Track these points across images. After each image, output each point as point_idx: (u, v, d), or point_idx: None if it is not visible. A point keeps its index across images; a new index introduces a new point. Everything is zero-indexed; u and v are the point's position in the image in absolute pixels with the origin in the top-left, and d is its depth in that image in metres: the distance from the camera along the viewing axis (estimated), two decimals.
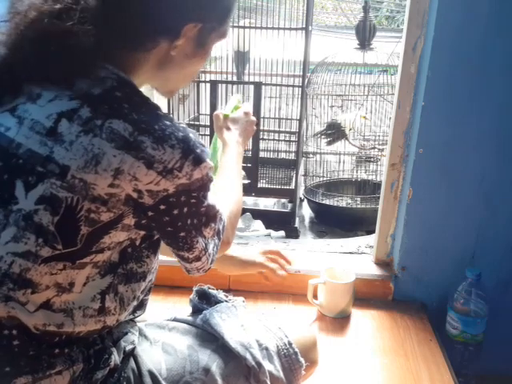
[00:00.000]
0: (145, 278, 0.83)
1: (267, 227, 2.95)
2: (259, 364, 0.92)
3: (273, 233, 2.90)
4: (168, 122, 0.72)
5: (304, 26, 2.86)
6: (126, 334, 0.86)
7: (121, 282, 0.79)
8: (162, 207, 0.72)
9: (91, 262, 0.73)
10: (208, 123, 3.03)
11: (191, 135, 0.73)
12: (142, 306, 0.89)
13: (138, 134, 0.69)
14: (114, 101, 0.71)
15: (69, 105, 0.70)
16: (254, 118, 1.17)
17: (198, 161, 0.73)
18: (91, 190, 0.68)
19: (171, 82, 0.87)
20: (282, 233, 2.94)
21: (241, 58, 3.14)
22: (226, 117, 1.15)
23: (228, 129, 1.13)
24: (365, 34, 3.15)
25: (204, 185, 0.76)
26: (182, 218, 0.75)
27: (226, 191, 0.97)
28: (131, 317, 0.88)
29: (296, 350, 0.98)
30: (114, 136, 0.68)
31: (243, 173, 1.07)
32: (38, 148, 0.69)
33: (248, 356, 0.92)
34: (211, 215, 0.80)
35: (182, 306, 1.29)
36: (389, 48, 3.20)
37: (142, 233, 0.78)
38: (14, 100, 0.74)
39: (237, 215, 0.96)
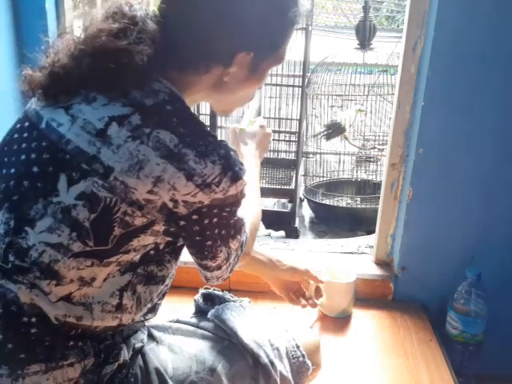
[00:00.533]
0: (163, 282, 0.85)
1: (267, 227, 2.95)
2: (272, 362, 0.94)
3: (273, 233, 2.91)
4: (212, 139, 0.75)
5: (304, 25, 2.86)
6: (136, 332, 0.87)
7: (140, 282, 0.81)
8: (195, 217, 0.75)
9: (116, 261, 0.75)
10: (208, 123, 3.03)
11: (232, 153, 0.76)
12: (154, 309, 0.90)
13: (183, 146, 0.72)
14: (165, 113, 0.74)
15: (121, 110, 0.73)
16: (269, 131, 1.21)
17: (236, 178, 0.75)
18: (130, 193, 0.71)
19: (225, 103, 0.91)
20: (282, 233, 2.95)
21: None
22: (242, 131, 1.17)
23: (245, 143, 1.16)
24: (365, 34, 3.15)
25: (237, 201, 0.79)
26: (211, 227, 0.77)
27: (247, 204, 0.99)
28: (142, 319, 0.89)
29: (303, 352, 1.00)
30: (159, 145, 0.71)
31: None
32: (87, 147, 0.72)
33: (262, 353, 0.94)
34: (238, 228, 0.83)
35: (182, 306, 1.29)
36: (389, 48, 3.20)
37: (168, 239, 0.80)
38: (70, 99, 0.76)
39: (257, 227, 1.00)
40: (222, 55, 0.79)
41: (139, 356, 0.86)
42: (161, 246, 0.80)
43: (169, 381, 0.85)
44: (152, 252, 0.80)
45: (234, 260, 0.85)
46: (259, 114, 1.14)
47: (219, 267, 0.83)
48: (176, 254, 0.85)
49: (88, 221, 0.71)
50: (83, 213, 0.71)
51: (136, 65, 0.73)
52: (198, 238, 0.78)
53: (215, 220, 0.77)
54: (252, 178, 1.07)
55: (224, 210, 0.77)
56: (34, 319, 0.73)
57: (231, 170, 0.75)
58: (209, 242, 0.79)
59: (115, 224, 0.72)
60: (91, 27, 0.77)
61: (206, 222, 0.76)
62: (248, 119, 1.21)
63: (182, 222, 0.75)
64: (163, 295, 0.90)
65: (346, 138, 3.37)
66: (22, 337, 0.73)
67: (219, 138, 0.78)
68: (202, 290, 1.11)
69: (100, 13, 0.79)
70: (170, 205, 0.73)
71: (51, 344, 0.75)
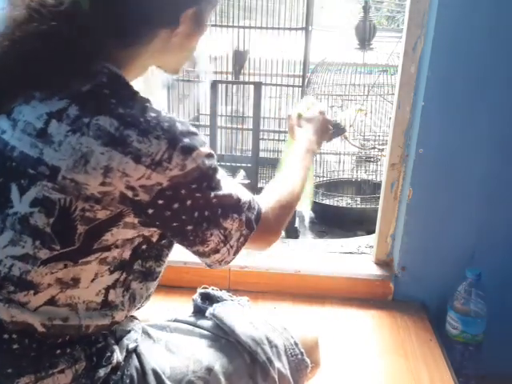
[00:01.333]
0: (158, 277, 0.84)
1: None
2: (270, 360, 0.93)
3: None
4: (154, 114, 0.70)
5: (304, 26, 2.86)
6: (129, 332, 0.86)
7: (136, 279, 0.79)
8: (160, 202, 0.70)
9: (98, 259, 0.73)
10: (208, 123, 3.03)
11: (178, 124, 0.71)
12: (148, 298, 0.90)
13: (124, 128, 0.68)
14: (102, 97, 0.70)
15: (58, 104, 0.69)
16: (329, 118, 1.12)
17: (188, 149, 0.70)
18: (83, 189, 0.68)
19: (175, 62, 0.87)
20: None
21: (239, 57, 3.14)
22: (299, 116, 1.09)
23: (300, 126, 1.08)
24: (365, 34, 3.15)
25: (204, 174, 0.73)
26: (187, 211, 0.73)
27: (278, 183, 0.94)
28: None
29: (302, 350, 0.99)
30: (100, 133, 0.67)
31: (301, 172, 0.98)
32: (29, 150, 0.69)
33: (259, 351, 0.93)
34: (230, 205, 0.77)
35: (181, 306, 1.29)
36: (389, 48, 3.20)
37: (155, 230, 0.76)
38: (12, 103, 0.73)
39: (286, 206, 0.89)
40: (169, 18, 0.76)
41: (134, 357, 0.85)
42: (154, 239, 0.78)
43: (166, 381, 0.84)
44: (144, 247, 0.77)
45: (237, 241, 0.79)
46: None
47: (216, 250, 0.78)
48: (171, 247, 0.83)
49: (48, 226, 0.69)
50: (41, 219, 0.68)
51: (75, 48, 0.70)
52: (174, 224, 0.73)
53: (189, 202, 0.72)
54: (297, 159, 0.99)
55: (193, 189, 0.72)
56: (14, 335, 0.72)
57: (180, 141, 0.70)
58: (189, 227, 0.74)
59: (76, 222, 0.69)
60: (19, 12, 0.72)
61: (176, 205, 0.71)
62: (306, 104, 1.13)
63: (150, 210, 0.71)
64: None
65: (346, 138, 3.37)
66: (6, 353, 0.72)
67: (167, 112, 0.73)
68: (200, 290, 1.11)
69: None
70: (129, 194, 0.69)
71: (37, 355, 0.74)
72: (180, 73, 0.92)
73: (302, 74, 3.03)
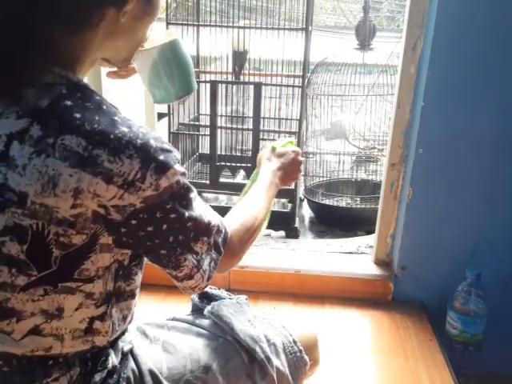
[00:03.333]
0: (133, 296, 0.81)
1: (267, 227, 2.94)
2: (268, 358, 0.93)
3: (273, 233, 2.90)
4: (125, 129, 0.66)
5: (304, 26, 2.86)
6: (123, 333, 0.85)
7: (113, 305, 0.77)
8: (133, 222, 0.67)
9: (79, 289, 0.70)
10: (208, 123, 3.03)
11: (152, 142, 0.67)
12: (131, 319, 0.86)
13: (93, 147, 0.63)
14: (64, 113, 0.64)
15: (18, 124, 0.64)
16: (301, 159, 1.10)
17: (163, 168, 0.67)
18: (54, 213, 0.64)
19: (124, 49, 0.80)
20: (281, 233, 2.95)
21: (238, 58, 3.13)
22: (273, 149, 1.10)
23: (270, 160, 1.07)
24: (365, 34, 3.15)
25: (176, 193, 0.70)
26: (161, 235, 0.70)
27: (242, 207, 0.93)
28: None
29: (301, 348, 0.99)
30: (67, 154, 0.63)
31: (266, 199, 0.97)
32: None
33: (258, 349, 0.92)
34: (201, 228, 0.74)
35: (181, 306, 1.29)
36: (389, 48, 3.20)
37: (128, 252, 0.74)
38: None
39: (249, 230, 0.88)
40: None
41: (130, 358, 0.84)
42: (125, 262, 0.75)
43: (163, 381, 0.84)
44: (120, 272, 0.75)
45: (209, 265, 0.77)
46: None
47: (190, 276, 0.75)
48: (141, 264, 0.80)
49: (22, 253, 0.65)
50: (14, 247, 0.65)
51: (7, 49, 0.64)
52: (148, 243, 0.71)
53: (164, 227, 0.69)
54: (261, 191, 0.98)
55: (167, 209, 0.69)
56: (1, 362, 0.72)
57: (154, 160, 0.66)
58: (163, 251, 0.72)
59: (52, 246, 0.66)
60: None
61: (151, 229, 0.68)
62: (285, 141, 1.13)
63: (122, 229, 0.68)
64: (135, 304, 0.86)
65: (346, 138, 3.38)
66: None
67: (137, 124, 0.68)
68: None
69: None
70: (102, 211, 0.65)
71: (30, 369, 0.73)
72: (128, 65, 0.85)
73: (302, 74, 3.02)
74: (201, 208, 0.76)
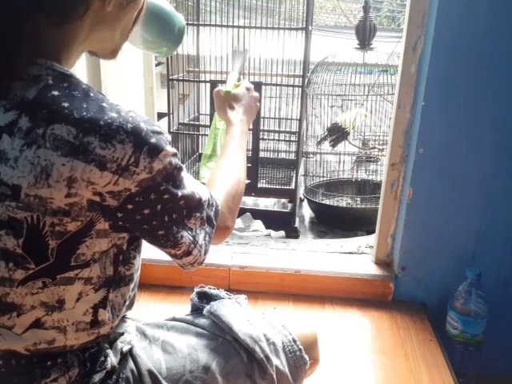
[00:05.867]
0: (132, 280, 0.81)
1: (267, 227, 2.95)
2: (268, 357, 0.92)
3: (273, 233, 2.90)
4: (115, 115, 0.65)
5: (304, 26, 2.86)
6: (123, 334, 0.85)
7: (112, 290, 0.77)
8: (130, 207, 0.68)
9: (78, 277, 0.71)
10: (208, 123, 3.03)
11: (142, 125, 0.67)
12: (130, 305, 0.88)
13: (83, 135, 0.63)
14: (52, 102, 0.64)
15: (6, 117, 0.64)
16: (256, 94, 1.11)
17: (155, 151, 0.67)
18: (49, 204, 0.64)
19: (111, 40, 0.79)
20: (282, 233, 2.94)
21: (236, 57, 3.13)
22: (227, 93, 1.08)
23: (231, 107, 1.06)
24: (365, 34, 3.15)
25: (169, 174, 0.70)
26: (157, 216, 0.70)
27: (224, 173, 0.92)
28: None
29: (300, 347, 0.98)
30: (58, 143, 0.63)
31: (248, 153, 0.99)
32: None
33: (257, 349, 0.92)
34: (193, 205, 0.75)
35: (181, 306, 1.29)
36: (389, 48, 3.20)
37: (125, 235, 0.74)
38: None
39: (236, 197, 0.89)
40: None
41: (130, 359, 0.84)
42: (124, 247, 0.76)
43: (162, 381, 0.84)
44: (120, 257, 0.76)
45: (205, 240, 0.78)
46: (242, 74, 1.04)
47: (188, 253, 0.76)
48: (139, 247, 0.80)
49: (19, 247, 0.66)
50: (10, 241, 0.65)
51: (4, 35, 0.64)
52: (145, 226, 0.71)
53: (159, 207, 0.69)
54: (237, 144, 0.99)
55: (161, 190, 0.69)
56: (0, 361, 0.72)
57: (146, 143, 0.66)
58: (161, 232, 0.72)
59: (48, 238, 0.66)
60: None
61: (147, 211, 0.69)
62: (233, 81, 1.11)
63: (119, 214, 0.68)
64: (136, 286, 0.87)
65: (347, 139, 3.38)
66: None
67: (125, 109, 0.68)
68: (196, 289, 1.11)
69: None
70: (97, 199, 0.66)
71: (28, 370, 0.73)
72: (116, 57, 0.84)
73: (302, 73, 3.02)
74: (192, 185, 0.76)
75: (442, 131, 1.41)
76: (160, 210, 0.70)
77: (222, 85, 1.16)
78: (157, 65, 4.11)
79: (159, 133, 0.69)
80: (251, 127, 2.97)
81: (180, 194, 0.72)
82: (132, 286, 0.82)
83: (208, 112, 3.12)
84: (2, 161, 0.64)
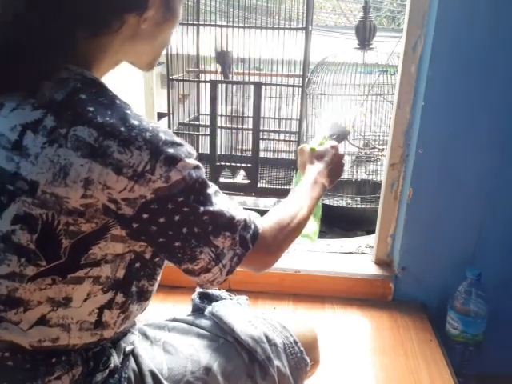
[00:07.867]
0: (152, 295, 0.82)
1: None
2: (269, 358, 0.93)
3: None
4: (136, 123, 0.67)
5: (304, 25, 2.86)
6: (126, 334, 0.85)
7: (133, 302, 0.78)
8: (145, 216, 0.67)
9: (87, 276, 0.71)
10: (208, 123, 3.03)
11: (161, 134, 0.68)
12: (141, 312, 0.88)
13: (104, 138, 0.64)
14: (79, 105, 0.66)
15: (33, 115, 0.66)
16: (342, 153, 1.09)
17: (173, 160, 0.67)
18: (65, 203, 0.65)
19: (146, 54, 0.82)
20: None
21: (222, 58, 3.12)
22: (312, 150, 1.07)
23: (312, 162, 1.06)
24: (365, 34, 3.15)
25: (189, 187, 0.69)
26: (174, 226, 0.70)
27: (278, 207, 0.91)
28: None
29: (301, 348, 0.99)
30: (79, 144, 0.64)
31: (299, 200, 0.94)
32: (6, 164, 0.66)
33: (259, 350, 0.92)
34: (221, 222, 0.73)
35: (181, 306, 1.29)
36: (389, 48, 3.20)
37: (147, 246, 0.74)
38: None
39: (286, 228, 0.85)
40: (137, 1, 0.72)
41: (132, 359, 0.84)
42: (146, 256, 0.76)
43: (164, 382, 0.84)
44: (138, 265, 0.75)
45: (231, 260, 0.76)
46: (335, 130, 1.02)
47: (207, 270, 0.75)
48: (163, 261, 0.80)
49: (32, 243, 0.66)
50: (24, 236, 0.66)
51: (39, 41, 0.66)
52: (161, 239, 0.70)
53: (177, 218, 0.69)
54: (303, 191, 0.97)
55: (180, 202, 0.68)
56: (7, 353, 0.72)
57: (163, 153, 0.66)
58: (177, 243, 0.71)
59: (61, 237, 0.66)
60: None
61: (163, 220, 0.68)
62: (319, 138, 1.12)
63: (134, 225, 0.68)
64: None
65: (346, 139, 3.38)
66: (1, 370, 0.72)
67: (148, 120, 0.69)
68: (198, 289, 1.11)
69: None
70: (112, 206, 0.66)
71: (33, 366, 0.73)
72: (153, 68, 0.87)
73: (302, 73, 3.03)
74: (223, 203, 0.75)
75: (441, 131, 1.41)
76: (178, 220, 0.69)
77: (308, 141, 1.15)
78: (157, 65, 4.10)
79: (178, 144, 0.69)
80: (251, 127, 2.97)
81: (203, 209, 0.71)
82: (148, 303, 0.83)
83: (208, 112, 3.11)
84: (24, 156, 0.65)
